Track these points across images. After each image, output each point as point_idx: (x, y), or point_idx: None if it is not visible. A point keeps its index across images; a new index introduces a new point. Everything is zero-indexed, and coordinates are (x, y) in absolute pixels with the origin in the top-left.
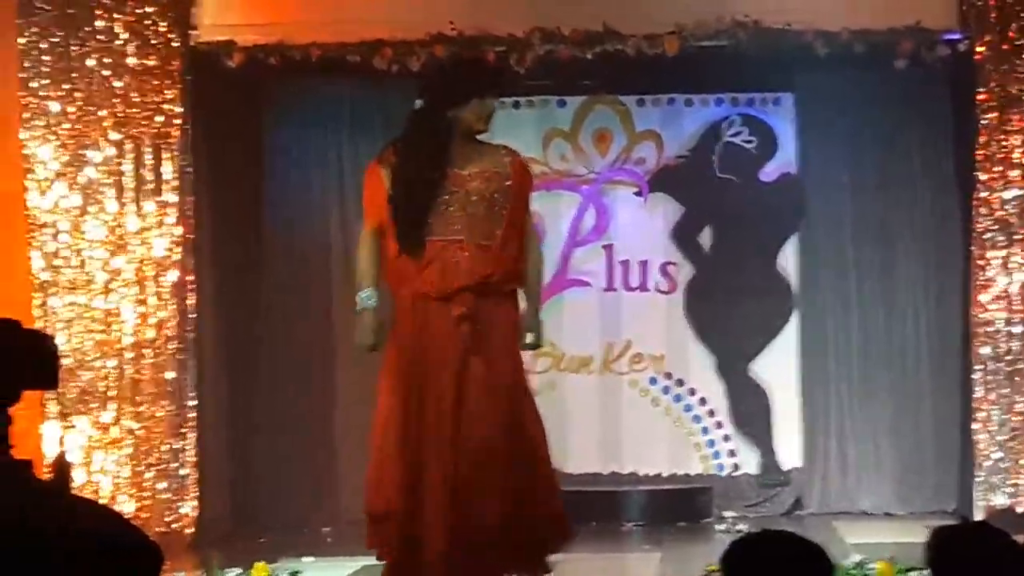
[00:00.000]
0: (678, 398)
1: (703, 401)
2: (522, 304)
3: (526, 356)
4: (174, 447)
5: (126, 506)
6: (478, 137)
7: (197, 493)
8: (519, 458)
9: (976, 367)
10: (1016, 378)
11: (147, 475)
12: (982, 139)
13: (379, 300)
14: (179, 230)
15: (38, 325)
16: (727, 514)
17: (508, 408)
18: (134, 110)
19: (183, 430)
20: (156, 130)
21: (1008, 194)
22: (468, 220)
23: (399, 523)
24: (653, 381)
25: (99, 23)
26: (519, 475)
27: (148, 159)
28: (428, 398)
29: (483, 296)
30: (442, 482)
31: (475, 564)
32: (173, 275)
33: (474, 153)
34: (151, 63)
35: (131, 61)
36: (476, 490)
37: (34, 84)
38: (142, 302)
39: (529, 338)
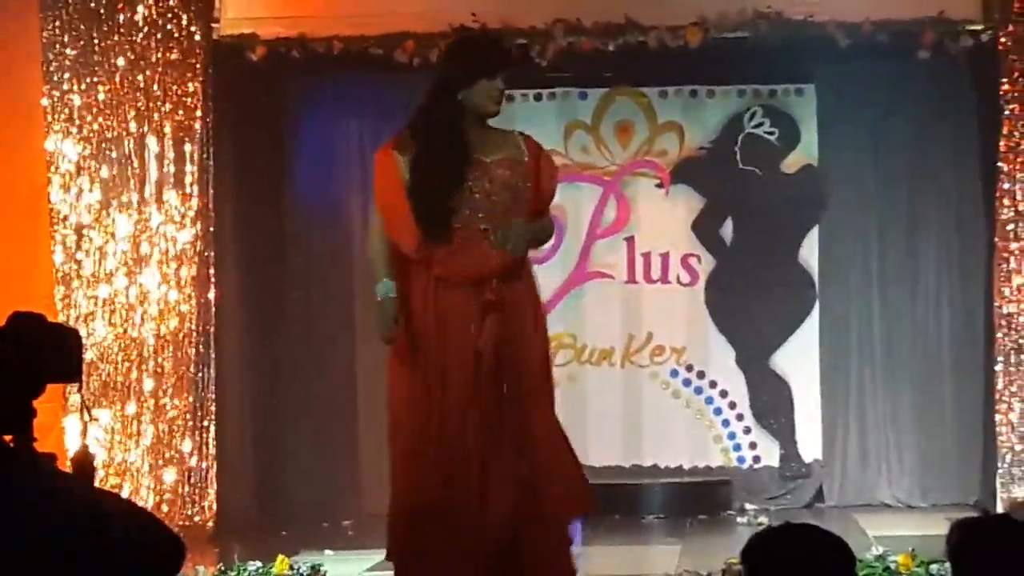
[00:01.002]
0: (699, 390)
1: (724, 393)
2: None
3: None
4: (195, 440)
5: (147, 499)
6: (490, 123)
7: (217, 486)
8: (532, 443)
9: (998, 359)
10: None
11: (168, 468)
12: (1005, 130)
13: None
14: (200, 223)
15: (61, 318)
16: (748, 507)
17: (533, 392)
18: (156, 103)
19: (204, 423)
20: (178, 123)
21: None
22: (492, 207)
23: (436, 520)
24: (674, 373)
25: (121, 17)
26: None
27: (170, 152)
28: (452, 387)
29: (507, 281)
30: (486, 472)
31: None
32: (194, 268)
33: (492, 139)
34: (173, 56)
35: (154, 55)
36: (519, 482)
37: (57, 78)
38: (163, 295)
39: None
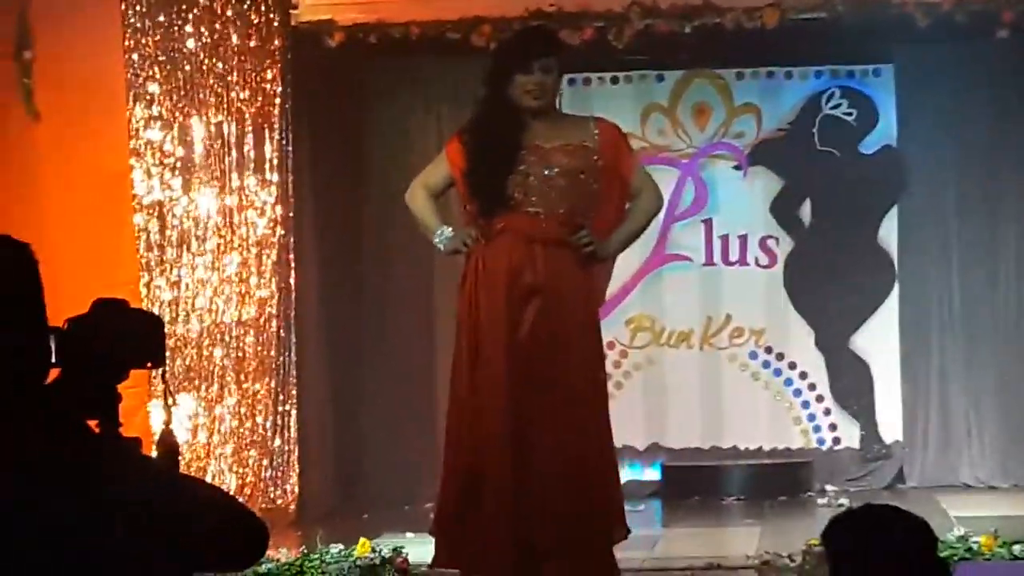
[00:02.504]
0: (778, 372)
1: (803, 375)
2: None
3: (624, 329)
4: (277, 424)
5: (230, 483)
6: (565, 109)
7: (299, 470)
8: (580, 450)
9: None
10: None
11: (250, 452)
12: None
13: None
14: (280, 209)
15: (144, 304)
16: (828, 488)
17: (576, 393)
18: (236, 90)
19: (286, 407)
20: (257, 109)
21: None
22: (548, 192)
23: (457, 537)
24: (753, 355)
25: (201, 3)
26: (581, 468)
27: (249, 138)
28: (486, 379)
29: (558, 272)
30: (503, 486)
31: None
32: (274, 253)
33: (556, 126)
34: (252, 43)
35: (233, 41)
36: (543, 492)
37: (138, 65)
38: (244, 281)
39: (585, 237)
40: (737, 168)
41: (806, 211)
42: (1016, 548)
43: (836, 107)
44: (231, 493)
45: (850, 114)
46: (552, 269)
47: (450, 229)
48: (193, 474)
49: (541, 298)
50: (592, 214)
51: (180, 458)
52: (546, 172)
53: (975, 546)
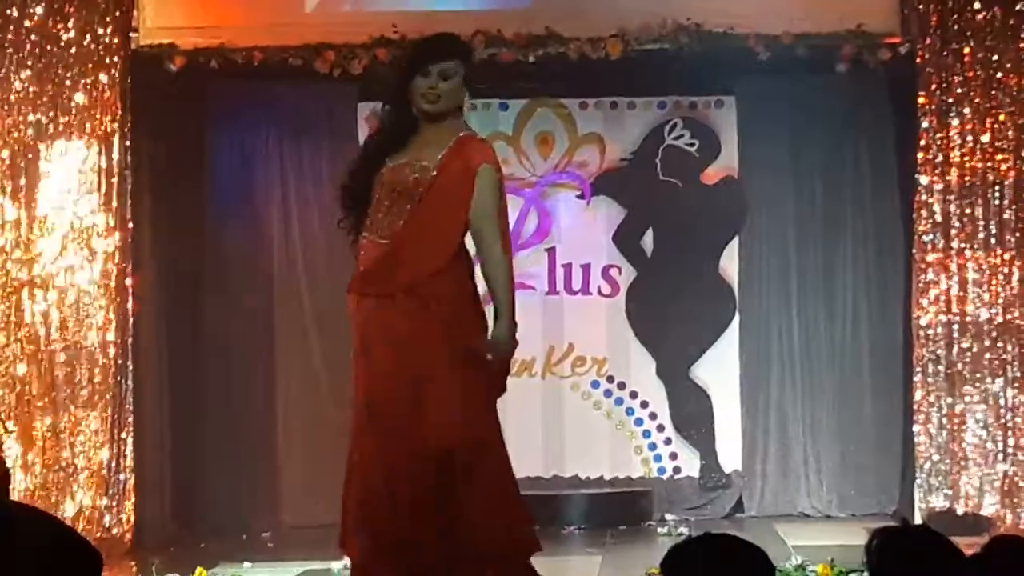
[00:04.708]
0: (620, 401)
1: (644, 404)
2: None
3: None
4: (112, 452)
5: (65, 511)
6: (455, 120)
7: (135, 498)
8: (445, 469)
9: (916, 369)
10: (955, 380)
11: (86, 480)
12: (922, 142)
13: None
14: (119, 234)
15: None
16: (668, 517)
17: (430, 422)
18: (75, 113)
19: (122, 435)
20: (97, 134)
21: (948, 197)
22: (378, 215)
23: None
24: (595, 384)
25: (38, 24)
26: (451, 490)
27: (88, 162)
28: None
29: (393, 299)
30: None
31: None
32: (112, 279)
33: (426, 141)
34: (92, 66)
35: (72, 64)
36: (401, 521)
37: None
38: (82, 306)
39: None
40: (580, 197)
41: (648, 241)
42: None
43: (678, 138)
44: (65, 521)
45: (692, 145)
46: (386, 306)
47: None
48: (26, 502)
49: (362, 334)
50: (400, 234)
51: (10, 486)
52: (381, 194)
53: (812, 574)
